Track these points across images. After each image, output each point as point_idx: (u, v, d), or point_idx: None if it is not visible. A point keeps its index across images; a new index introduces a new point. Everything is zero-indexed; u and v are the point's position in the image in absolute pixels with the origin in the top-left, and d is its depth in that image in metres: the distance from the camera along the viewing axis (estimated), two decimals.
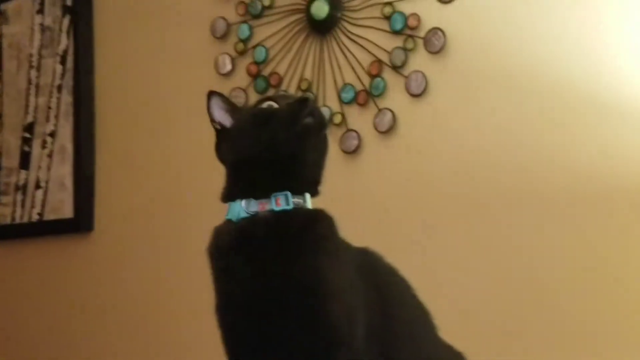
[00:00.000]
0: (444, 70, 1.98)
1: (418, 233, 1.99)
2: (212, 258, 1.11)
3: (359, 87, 2.13)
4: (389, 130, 2.07)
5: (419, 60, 2.02)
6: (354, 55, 2.14)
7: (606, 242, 1.72)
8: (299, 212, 1.10)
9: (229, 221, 1.11)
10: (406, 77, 2.04)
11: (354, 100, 2.14)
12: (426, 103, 2.01)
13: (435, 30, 1.98)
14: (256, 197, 1.10)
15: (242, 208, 1.10)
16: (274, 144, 1.09)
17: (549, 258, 1.79)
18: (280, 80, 2.28)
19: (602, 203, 1.73)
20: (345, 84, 2.15)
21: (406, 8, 2.04)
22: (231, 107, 1.17)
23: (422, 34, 2.01)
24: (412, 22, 2.02)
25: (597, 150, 1.74)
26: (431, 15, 2.00)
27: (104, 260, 2.55)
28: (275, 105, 1.13)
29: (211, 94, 1.18)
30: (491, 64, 1.91)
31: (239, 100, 2.30)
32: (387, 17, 2.07)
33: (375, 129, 2.08)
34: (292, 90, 2.24)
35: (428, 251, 1.97)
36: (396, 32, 2.05)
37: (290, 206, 1.09)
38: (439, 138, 1.98)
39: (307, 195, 1.13)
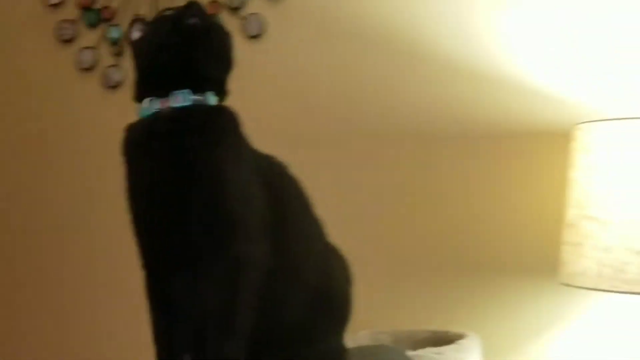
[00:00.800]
0: (282, 14, 2.13)
1: None
2: (122, 153, 1.19)
3: None
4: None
5: (257, 3, 2.15)
6: None
7: (437, 178, 1.98)
8: (199, 107, 1.17)
9: (139, 119, 1.20)
10: (244, 18, 2.16)
11: None
12: (263, 44, 2.15)
13: None
14: (158, 96, 1.18)
15: (146, 107, 1.19)
16: (162, 46, 1.18)
17: (381, 191, 2.03)
18: (113, 14, 2.31)
19: (435, 143, 1.98)
20: None
21: None
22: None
23: None
24: None
25: (433, 97, 1.98)
26: None
27: None
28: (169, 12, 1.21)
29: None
30: (328, 13, 2.08)
31: (66, 32, 2.32)
32: None
33: None
34: (124, 25, 2.29)
35: None
36: None
37: (189, 103, 1.18)
38: (274, 79, 2.14)
39: (209, 94, 1.20)
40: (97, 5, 2.32)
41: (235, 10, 2.18)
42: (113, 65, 2.31)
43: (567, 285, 1.48)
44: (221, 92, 1.23)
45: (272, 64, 2.15)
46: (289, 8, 2.13)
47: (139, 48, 1.23)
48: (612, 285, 1.37)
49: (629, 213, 1.38)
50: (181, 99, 1.17)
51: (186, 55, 1.18)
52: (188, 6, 1.20)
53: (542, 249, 1.73)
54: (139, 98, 1.21)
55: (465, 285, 1.87)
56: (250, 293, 1.13)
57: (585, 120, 1.58)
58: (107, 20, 2.32)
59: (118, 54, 2.31)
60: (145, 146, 1.16)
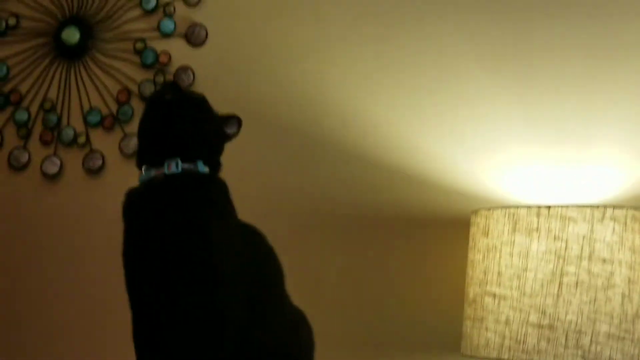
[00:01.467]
0: None
1: None
2: (122, 214, 1.27)
3: (105, 112, 2.29)
4: (134, 154, 2.26)
5: None
6: (102, 83, 2.30)
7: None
8: (189, 174, 1.28)
9: (138, 185, 1.32)
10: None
11: (99, 124, 2.30)
12: None
13: (186, 68, 2.24)
14: (153, 165, 1.30)
15: (144, 174, 1.31)
16: (147, 121, 1.31)
17: None
18: (21, 98, 2.35)
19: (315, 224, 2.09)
20: (92, 108, 2.30)
21: (158, 45, 2.27)
22: None
23: (172, 70, 2.25)
24: (163, 58, 2.26)
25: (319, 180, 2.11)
26: (181, 55, 2.25)
27: None
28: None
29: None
30: (235, 102, 2.21)
31: None
32: (139, 52, 2.28)
33: (121, 151, 2.26)
34: (34, 110, 2.33)
35: None
36: (147, 66, 2.27)
37: (179, 170, 1.26)
38: None
39: (200, 162, 1.30)
40: (5, 90, 2.36)
41: (146, 98, 2.27)
42: (20, 147, 2.33)
43: (471, 357, 1.62)
44: (212, 161, 1.33)
45: None
46: None
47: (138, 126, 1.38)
48: (514, 355, 1.51)
49: (522, 289, 1.54)
50: (174, 167, 1.28)
51: (168, 126, 1.29)
52: (165, 85, 1.34)
53: (446, 325, 1.87)
54: (139, 166, 1.31)
55: None
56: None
57: (482, 207, 1.75)
58: (15, 104, 2.35)
59: (25, 137, 2.34)
60: (137, 209, 1.25)
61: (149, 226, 1.24)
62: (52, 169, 2.31)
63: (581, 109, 1.87)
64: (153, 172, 1.31)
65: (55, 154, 2.31)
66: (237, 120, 1.40)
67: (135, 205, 1.29)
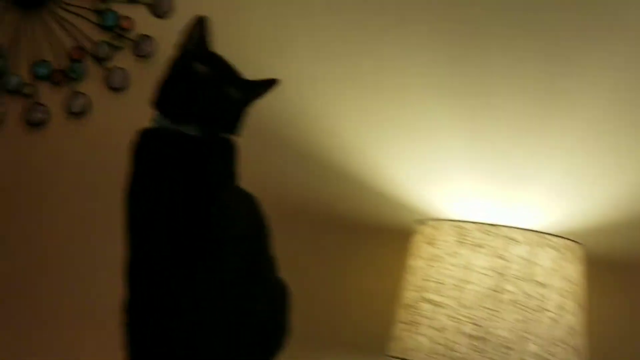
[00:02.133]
0: (147, 72, 2.20)
1: (85, 204, 2.18)
2: (132, 152, 1.29)
3: (56, 66, 2.25)
4: (80, 113, 2.22)
5: (124, 59, 2.22)
6: (57, 37, 2.26)
7: None
8: (206, 137, 1.31)
9: (152, 128, 1.34)
10: (109, 70, 2.23)
11: (47, 77, 2.25)
12: (125, 97, 2.22)
13: (147, 36, 2.22)
14: (167, 116, 1.34)
15: (158, 120, 1.35)
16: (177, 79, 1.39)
17: None
18: None
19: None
20: (43, 60, 2.25)
21: (121, 10, 2.24)
22: None
23: (133, 37, 2.23)
24: (124, 23, 2.23)
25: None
26: (144, 24, 2.22)
27: None
28: None
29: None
30: None
31: None
32: (100, 12, 2.24)
33: (68, 109, 2.22)
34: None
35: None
36: (106, 27, 2.23)
37: (197, 133, 1.32)
38: (133, 131, 2.20)
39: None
40: None
41: (100, 60, 2.24)
42: None
43: (398, 358, 1.68)
44: (232, 128, 1.37)
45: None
46: (154, 63, 2.21)
47: (169, 66, 1.40)
48: None
49: (460, 300, 1.61)
50: (191, 130, 1.31)
51: (198, 100, 1.33)
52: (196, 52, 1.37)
53: (375, 327, 1.92)
54: (156, 107, 1.35)
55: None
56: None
57: (422, 218, 1.82)
58: None
59: None
60: (151, 153, 1.29)
61: (161, 174, 1.26)
62: None
63: (528, 143, 1.96)
64: (167, 123, 1.32)
65: None
66: (270, 84, 1.42)
67: (149, 148, 1.30)
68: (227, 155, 1.34)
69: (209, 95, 1.32)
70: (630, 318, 1.88)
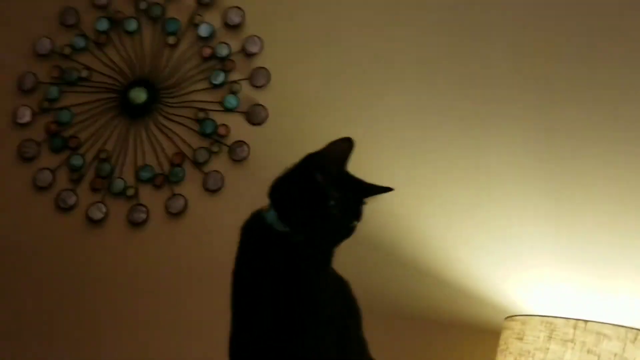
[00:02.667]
0: (243, 175, 2.33)
1: (182, 298, 2.27)
2: (246, 241, 1.39)
3: (158, 170, 2.40)
4: (178, 213, 2.35)
5: (220, 163, 2.36)
6: (160, 143, 2.42)
7: None
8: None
9: (265, 224, 1.39)
10: (206, 173, 2.36)
11: (150, 180, 2.40)
12: (220, 198, 2.34)
13: (241, 142, 2.36)
14: (278, 212, 1.39)
15: (275, 220, 1.38)
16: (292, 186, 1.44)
17: None
18: (79, 144, 2.46)
19: None
20: (146, 165, 2.41)
21: (218, 118, 2.40)
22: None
23: (229, 142, 2.37)
24: (221, 130, 2.38)
25: None
26: (239, 131, 2.37)
27: None
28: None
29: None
30: None
31: (29, 150, 2.44)
32: (199, 121, 2.40)
33: (166, 209, 2.36)
34: (90, 158, 2.43)
35: None
36: (205, 135, 2.39)
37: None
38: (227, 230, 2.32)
39: None
40: (65, 134, 2.47)
41: (199, 164, 2.38)
42: (69, 189, 2.42)
43: None
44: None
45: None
46: (248, 167, 2.33)
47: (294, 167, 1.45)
48: None
49: None
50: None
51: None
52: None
53: None
54: (271, 199, 1.41)
55: None
56: None
57: (517, 313, 1.85)
58: (73, 149, 2.45)
59: (76, 181, 2.43)
60: (270, 251, 1.37)
61: (265, 263, 1.36)
62: (97, 214, 2.39)
63: (614, 231, 1.98)
64: (278, 222, 1.39)
65: (102, 201, 2.40)
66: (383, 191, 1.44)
67: (272, 248, 1.38)
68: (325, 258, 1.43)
69: (333, 230, 1.38)
70: None
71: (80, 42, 2.51)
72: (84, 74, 2.50)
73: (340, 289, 1.46)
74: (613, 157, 2.04)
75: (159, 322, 2.28)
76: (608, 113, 2.07)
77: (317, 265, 1.38)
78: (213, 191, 2.36)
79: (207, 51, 2.43)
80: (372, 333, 1.94)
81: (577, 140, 2.08)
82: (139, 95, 2.45)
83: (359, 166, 2.21)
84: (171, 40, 2.46)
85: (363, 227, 2.14)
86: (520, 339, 1.72)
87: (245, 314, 1.36)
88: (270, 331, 1.32)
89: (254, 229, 1.41)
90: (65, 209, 2.42)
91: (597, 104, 2.09)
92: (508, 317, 1.83)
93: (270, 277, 1.34)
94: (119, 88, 2.48)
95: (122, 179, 2.41)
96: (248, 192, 2.31)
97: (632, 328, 1.67)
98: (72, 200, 2.42)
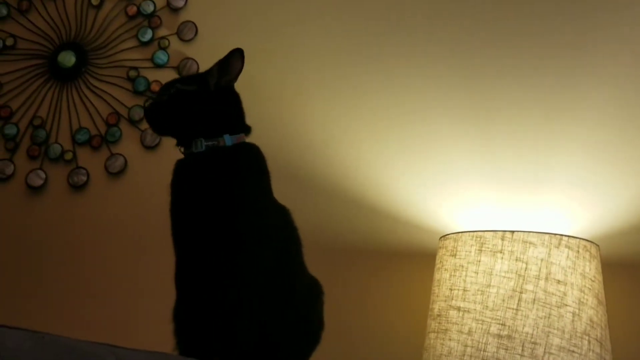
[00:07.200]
0: None
1: (130, 258, 2.31)
2: (172, 180, 1.49)
3: (94, 132, 2.42)
4: (119, 173, 2.38)
5: None
6: (93, 105, 2.44)
7: None
8: (214, 151, 1.46)
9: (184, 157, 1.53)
10: (142, 131, 2.39)
11: (87, 142, 2.42)
12: (159, 154, 2.37)
13: None
14: (183, 145, 1.51)
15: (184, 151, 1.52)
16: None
17: None
18: (11, 113, 2.46)
19: None
20: (82, 128, 2.43)
21: (150, 75, 2.42)
22: None
23: None
24: (154, 86, 2.41)
25: None
26: None
27: None
28: None
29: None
30: None
31: None
32: (131, 79, 2.42)
33: (106, 170, 2.38)
34: (24, 126, 2.44)
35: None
36: (138, 93, 2.41)
37: (203, 148, 1.44)
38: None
39: (226, 136, 1.47)
40: None
41: (135, 122, 2.41)
42: (5, 159, 2.43)
43: None
44: (237, 131, 1.50)
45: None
46: None
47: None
48: None
49: (485, 304, 1.72)
50: (199, 145, 1.45)
51: (179, 120, 1.51)
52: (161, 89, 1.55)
53: (408, 344, 2.02)
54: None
55: None
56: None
57: (450, 232, 1.93)
58: (4, 118, 2.46)
59: (12, 150, 2.44)
60: (176, 180, 1.49)
61: (185, 192, 1.44)
62: (37, 181, 2.41)
63: (540, 149, 2.06)
64: (183, 150, 1.52)
65: (41, 168, 2.41)
66: (237, 55, 1.53)
67: (175, 174, 1.48)
68: (250, 156, 1.50)
69: (188, 114, 1.50)
70: None
71: (3, 10, 2.50)
72: (9, 42, 2.50)
73: (282, 215, 1.52)
74: (534, 77, 2.10)
75: (108, 284, 2.31)
76: (530, 31, 2.12)
77: (247, 172, 1.44)
78: (151, 147, 2.38)
79: (132, 9, 2.45)
80: (315, 266, 2.01)
81: (499, 59, 2.13)
82: (68, 59, 2.46)
83: (291, 108, 2.25)
84: (94, 1, 2.47)
85: (301, 164, 2.23)
86: (454, 255, 1.81)
87: (184, 241, 1.42)
88: (211, 247, 1.38)
89: (178, 165, 1.47)
90: (3, 178, 2.43)
91: (518, 21, 2.14)
92: (442, 237, 1.91)
93: (204, 195, 1.40)
94: (46, 53, 2.49)
95: (58, 143, 2.43)
96: None
97: (555, 234, 1.76)
98: (9, 169, 2.43)
